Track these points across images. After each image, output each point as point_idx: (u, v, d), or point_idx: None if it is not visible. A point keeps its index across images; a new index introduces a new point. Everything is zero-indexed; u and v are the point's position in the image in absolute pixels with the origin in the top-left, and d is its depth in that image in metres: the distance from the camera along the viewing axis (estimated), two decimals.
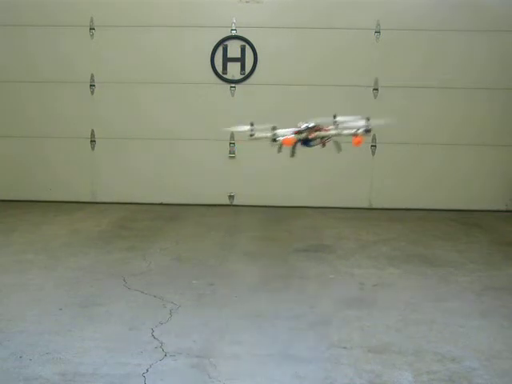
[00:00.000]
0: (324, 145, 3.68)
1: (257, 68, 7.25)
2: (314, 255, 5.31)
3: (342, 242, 5.78)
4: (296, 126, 3.71)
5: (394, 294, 4.36)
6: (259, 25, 7.18)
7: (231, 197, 7.39)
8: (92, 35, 7.24)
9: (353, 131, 3.45)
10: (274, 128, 3.67)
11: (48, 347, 3.35)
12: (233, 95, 7.31)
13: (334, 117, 3.79)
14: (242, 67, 7.27)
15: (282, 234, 6.07)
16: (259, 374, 3.12)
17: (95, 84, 7.31)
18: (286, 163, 7.28)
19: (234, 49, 7.25)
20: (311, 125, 3.67)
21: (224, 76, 7.28)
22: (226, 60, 7.26)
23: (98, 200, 7.40)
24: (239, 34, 7.22)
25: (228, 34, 7.22)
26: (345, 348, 3.41)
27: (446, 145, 7.29)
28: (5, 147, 7.42)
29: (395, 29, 7.13)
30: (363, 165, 7.33)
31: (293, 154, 3.69)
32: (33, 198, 7.37)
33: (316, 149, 7.26)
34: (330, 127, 3.64)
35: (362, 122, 3.54)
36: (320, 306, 4.09)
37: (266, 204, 7.28)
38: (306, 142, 3.67)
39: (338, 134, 3.54)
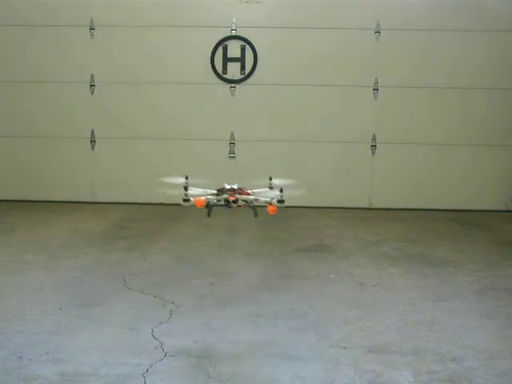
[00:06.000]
0: (240, 206, 4.01)
1: (257, 68, 7.26)
2: (314, 255, 5.31)
3: (342, 241, 5.78)
4: (220, 186, 3.96)
5: (394, 294, 4.35)
6: (259, 25, 7.19)
7: None
8: (92, 35, 7.24)
9: (268, 199, 3.89)
10: (186, 188, 3.94)
11: (48, 347, 3.35)
12: (233, 95, 7.31)
13: (270, 179, 4.19)
14: (242, 67, 7.27)
15: (282, 234, 6.07)
16: (259, 373, 3.12)
17: (95, 84, 7.31)
18: (286, 163, 7.37)
19: (234, 49, 7.25)
20: (235, 187, 3.98)
21: (224, 76, 7.28)
22: (226, 60, 7.26)
23: (98, 200, 7.40)
24: (239, 34, 7.22)
25: (228, 34, 7.23)
26: (345, 348, 3.41)
27: (446, 145, 7.29)
28: (5, 147, 7.42)
29: (395, 29, 7.13)
30: (363, 165, 7.34)
31: (209, 214, 3.90)
32: (33, 198, 7.37)
33: (315, 149, 7.34)
34: (250, 192, 4.00)
35: (276, 193, 4.00)
36: (320, 305, 4.09)
37: None
38: (227, 203, 3.96)
39: (256, 200, 3.92)
